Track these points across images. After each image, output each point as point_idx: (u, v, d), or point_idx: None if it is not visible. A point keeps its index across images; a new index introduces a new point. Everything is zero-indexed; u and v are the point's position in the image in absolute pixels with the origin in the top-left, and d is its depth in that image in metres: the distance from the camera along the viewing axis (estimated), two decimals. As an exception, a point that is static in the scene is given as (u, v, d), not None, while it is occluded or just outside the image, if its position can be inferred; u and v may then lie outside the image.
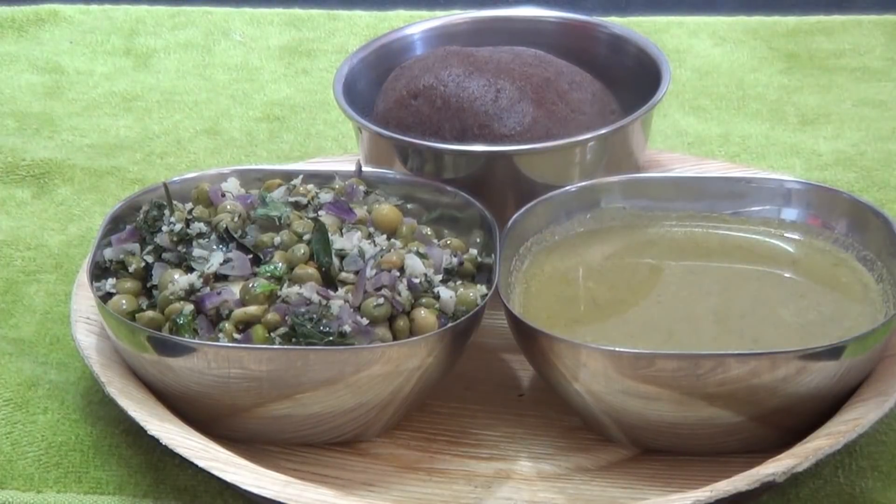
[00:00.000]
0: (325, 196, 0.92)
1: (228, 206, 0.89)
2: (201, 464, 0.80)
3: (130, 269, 0.88)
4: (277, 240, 0.87)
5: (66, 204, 1.14)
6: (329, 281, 0.85)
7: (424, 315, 0.84)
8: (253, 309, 0.83)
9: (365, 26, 1.44)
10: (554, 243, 0.94)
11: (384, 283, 0.84)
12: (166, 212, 0.90)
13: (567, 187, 0.94)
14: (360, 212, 0.90)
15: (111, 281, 0.88)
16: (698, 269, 0.92)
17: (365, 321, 0.82)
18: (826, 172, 1.15)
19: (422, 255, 0.87)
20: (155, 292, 0.87)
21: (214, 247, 0.87)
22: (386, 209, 0.91)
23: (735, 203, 0.95)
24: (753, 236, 0.94)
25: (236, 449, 0.83)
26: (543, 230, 0.94)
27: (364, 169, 0.96)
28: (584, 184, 0.95)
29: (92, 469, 0.86)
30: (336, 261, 0.86)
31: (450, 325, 0.84)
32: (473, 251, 0.91)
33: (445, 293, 0.85)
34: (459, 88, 0.96)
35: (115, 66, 1.38)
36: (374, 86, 1.04)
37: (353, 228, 0.89)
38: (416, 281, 0.85)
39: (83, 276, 0.92)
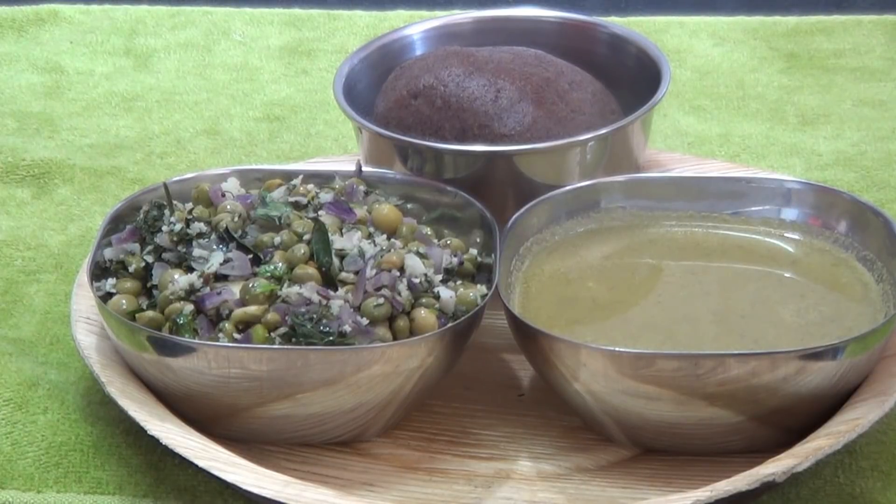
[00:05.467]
0: (325, 196, 0.92)
1: (228, 206, 0.89)
2: (201, 464, 0.80)
3: (130, 269, 0.88)
4: (277, 240, 0.87)
5: (66, 204, 1.14)
6: (329, 281, 0.85)
7: (424, 315, 0.84)
8: (253, 309, 0.83)
9: (365, 26, 1.44)
10: (554, 243, 0.94)
11: (384, 283, 0.84)
12: (166, 212, 0.90)
13: (567, 187, 0.94)
14: (360, 212, 0.90)
15: (111, 281, 0.88)
16: (698, 269, 0.92)
17: (365, 321, 0.82)
18: (826, 172, 1.15)
19: (422, 255, 0.87)
20: (155, 292, 0.87)
21: (214, 247, 0.87)
22: (386, 209, 0.91)
23: (735, 203, 0.95)
24: (753, 236, 0.94)
25: (236, 449, 0.83)
26: (543, 230, 0.94)
27: (364, 169, 0.96)
28: (584, 184, 0.95)
29: (92, 469, 0.86)
30: (336, 261, 0.86)
31: (450, 325, 0.84)
32: (473, 251, 0.91)
33: (445, 293, 0.85)
34: (459, 88, 0.96)
35: (115, 66, 1.38)
36: (374, 86, 1.04)
37: (353, 228, 0.89)
38: (416, 281, 0.85)
39: (83, 276, 0.92)
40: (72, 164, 1.18)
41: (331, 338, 0.81)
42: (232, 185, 0.93)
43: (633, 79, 1.04)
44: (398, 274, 0.85)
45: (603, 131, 0.96)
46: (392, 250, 0.87)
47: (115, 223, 0.92)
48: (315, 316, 0.82)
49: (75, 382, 0.93)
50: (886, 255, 0.89)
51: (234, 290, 0.84)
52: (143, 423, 0.83)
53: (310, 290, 0.83)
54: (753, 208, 0.95)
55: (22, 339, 0.98)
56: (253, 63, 1.38)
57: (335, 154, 1.19)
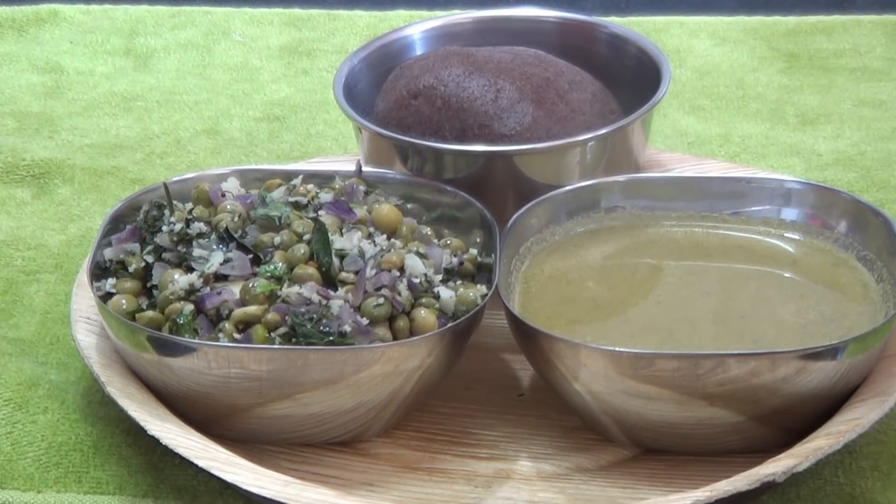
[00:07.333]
0: (325, 196, 0.92)
1: (228, 206, 0.89)
2: (201, 464, 0.80)
3: (130, 269, 0.88)
4: (277, 240, 0.87)
5: (66, 204, 1.14)
6: (329, 281, 0.85)
7: (424, 315, 0.84)
8: (253, 309, 0.83)
9: (365, 26, 1.44)
10: (554, 243, 0.94)
11: (384, 283, 0.84)
12: (166, 212, 0.90)
13: (567, 187, 0.94)
14: (360, 212, 0.90)
15: (111, 281, 0.88)
16: (698, 269, 0.92)
17: (365, 321, 0.82)
18: (826, 172, 1.15)
19: (422, 255, 0.87)
20: (155, 292, 0.87)
21: (214, 247, 0.87)
22: (386, 209, 0.91)
23: (735, 203, 0.95)
24: (753, 236, 0.94)
25: (236, 449, 0.83)
26: (543, 230, 0.94)
27: (364, 169, 0.96)
28: (584, 184, 0.95)
29: (92, 469, 0.86)
30: (336, 261, 0.86)
31: (450, 325, 0.84)
32: (473, 251, 0.91)
33: (445, 293, 0.85)
34: (459, 88, 0.96)
35: (115, 66, 1.38)
36: (374, 86, 1.04)
37: (353, 228, 0.89)
38: (416, 281, 0.85)
39: (83, 276, 0.92)
40: (72, 164, 1.18)
41: (331, 338, 0.81)
42: (232, 185, 0.93)
43: (633, 79, 1.04)
44: (398, 274, 0.85)
45: (603, 131, 0.96)
46: (392, 250, 0.87)
47: (115, 223, 0.92)
48: (315, 316, 0.82)
49: (75, 382, 0.93)
50: (886, 255, 0.89)
51: (234, 290, 0.84)
52: (143, 423, 0.83)
53: (310, 290, 0.83)
54: (753, 208, 0.95)
55: (22, 339, 0.98)
56: (253, 63, 1.38)
57: (335, 154, 1.19)
